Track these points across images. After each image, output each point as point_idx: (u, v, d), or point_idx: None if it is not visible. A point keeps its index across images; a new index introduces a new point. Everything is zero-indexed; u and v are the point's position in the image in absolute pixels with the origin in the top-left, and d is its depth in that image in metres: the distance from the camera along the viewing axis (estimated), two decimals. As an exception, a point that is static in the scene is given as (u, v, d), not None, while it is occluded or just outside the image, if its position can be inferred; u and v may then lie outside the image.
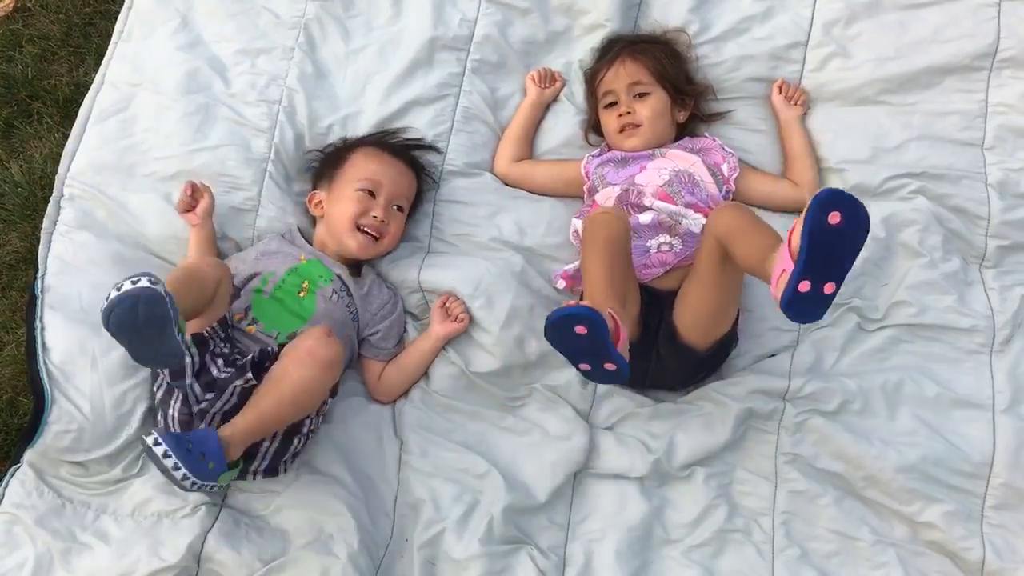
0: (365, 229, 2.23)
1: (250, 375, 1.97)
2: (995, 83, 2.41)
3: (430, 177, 2.38)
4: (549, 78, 2.49)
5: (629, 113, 2.35)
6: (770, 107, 2.45)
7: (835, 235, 1.65)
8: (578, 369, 1.86)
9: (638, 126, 2.35)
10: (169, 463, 1.78)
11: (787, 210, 2.37)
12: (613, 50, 2.43)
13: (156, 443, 1.78)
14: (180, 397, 1.99)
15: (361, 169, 2.27)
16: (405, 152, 2.34)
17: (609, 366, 1.81)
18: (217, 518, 2.08)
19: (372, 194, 2.24)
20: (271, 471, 2.07)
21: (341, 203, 2.24)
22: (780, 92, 2.43)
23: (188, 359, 1.97)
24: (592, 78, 2.45)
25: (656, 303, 2.13)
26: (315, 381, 1.95)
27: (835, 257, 1.68)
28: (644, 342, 2.11)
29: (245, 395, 1.96)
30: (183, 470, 1.79)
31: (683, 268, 2.17)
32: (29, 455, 2.13)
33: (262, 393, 1.94)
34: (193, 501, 2.08)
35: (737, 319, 2.15)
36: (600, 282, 1.93)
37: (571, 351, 1.83)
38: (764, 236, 1.89)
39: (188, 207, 2.27)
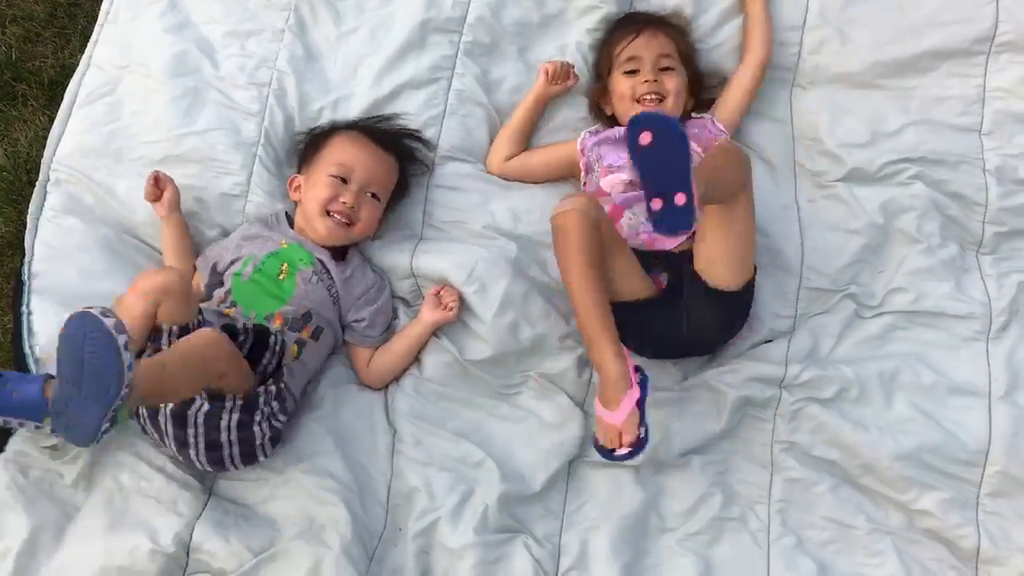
0: (334, 214, 2.21)
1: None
2: (993, 68, 2.40)
3: (422, 163, 2.35)
4: (564, 75, 2.39)
5: (656, 82, 2.31)
6: None
7: (654, 151, 1.79)
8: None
9: (662, 98, 2.31)
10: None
11: (757, 87, 2.42)
12: (641, 20, 2.40)
13: None
14: None
15: (336, 154, 2.25)
16: (386, 138, 2.31)
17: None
18: (205, 506, 2.05)
19: (345, 180, 2.22)
20: (249, 456, 2.04)
21: (315, 188, 2.23)
22: None
23: None
24: (611, 44, 2.40)
25: (674, 266, 2.14)
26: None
27: (666, 169, 1.80)
28: (673, 305, 2.11)
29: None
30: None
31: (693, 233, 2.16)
32: (14, 442, 2.09)
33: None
34: (179, 487, 2.05)
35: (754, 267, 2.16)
36: (589, 298, 1.97)
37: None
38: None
39: (154, 196, 2.24)
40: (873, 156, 2.34)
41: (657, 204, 1.80)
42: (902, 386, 2.19)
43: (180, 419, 1.95)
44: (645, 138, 1.78)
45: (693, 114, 2.38)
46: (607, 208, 2.17)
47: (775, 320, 2.26)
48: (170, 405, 1.93)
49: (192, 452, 1.99)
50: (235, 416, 1.97)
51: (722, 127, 2.34)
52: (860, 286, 2.28)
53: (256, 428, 2.01)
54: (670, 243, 2.19)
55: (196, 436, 1.96)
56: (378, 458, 2.16)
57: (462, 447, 2.15)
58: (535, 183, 2.38)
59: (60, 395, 1.69)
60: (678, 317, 2.12)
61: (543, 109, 2.43)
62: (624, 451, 1.91)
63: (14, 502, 2.04)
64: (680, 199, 1.78)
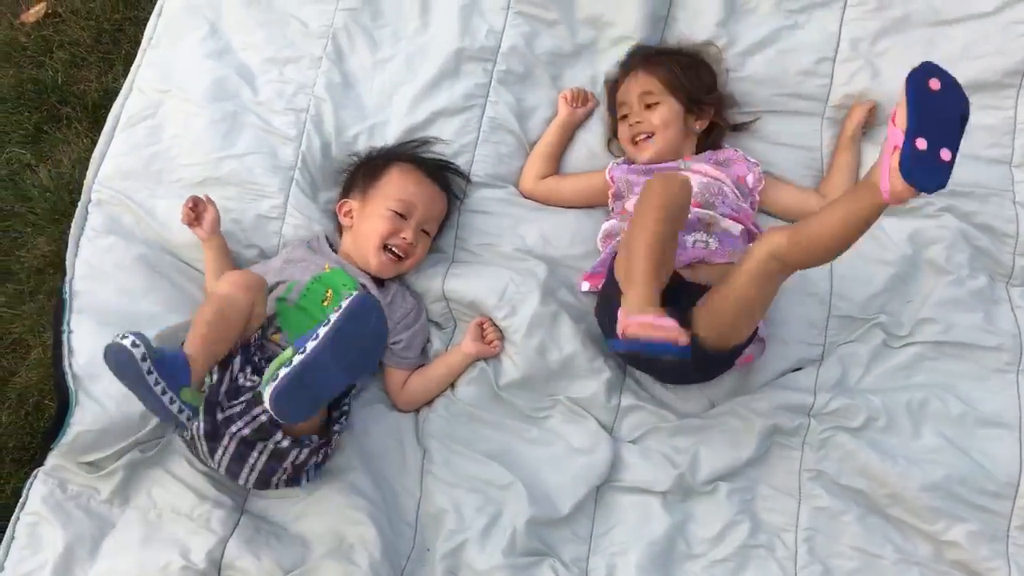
0: (392, 249, 2.23)
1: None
2: (1024, 100, 2.41)
3: (458, 198, 2.39)
4: (581, 98, 2.48)
5: (639, 123, 2.34)
6: (843, 118, 2.43)
7: (938, 99, 1.71)
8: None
9: (649, 136, 2.34)
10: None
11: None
12: (629, 63, 2.45)
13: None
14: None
15: (397, 188, 2.26)
16: (441, 173, 2.34)
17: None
18: (237, 524, 2.08)
19: (403, 215, 2.24)
20: (293, 481, 2.08)
21: (372, 220, 2.24)
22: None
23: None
24: (612, 90, 2.46)
25: (681, 291, 2.07)
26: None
27: (944, 120, 1.71)
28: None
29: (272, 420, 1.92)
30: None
31: (713, 265, 2.15)
32: (53, 457, 2.13)
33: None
34: (212, 505, 2.08)
35: (756, 329, 2.11)
36: (648, 247, 1.91)
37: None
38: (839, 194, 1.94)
39: (190, 220, 2.24)
40: (903, 187, 2.34)
41: (922, 144, 1.71)
42: (930, 416, 2.18)
43: (249, 444, 1.97)
44: (935, 84, 1.72)
45: (738, 150, 2.40)
46: None
47: (804, 348, 2.27)
48: (243, 430, 1.94)
49: (245, 472, 2.01)
50: (305, 452, 2.01)
51: (759, 174, 2.35)
52: (889, 315, 2.27)
53: (318, 453, 2.05)
54: (676, 263, 2.13)
55: (258, 460, 1.99)
56: (407, 478, 2.17)
57: (491, 469, 2.16)
58: (563, 206, 2.42)
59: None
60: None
61: (572, 133, 2.48)
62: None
63: (51, 516, 2.07)
64: (946, 155, 1.72)
